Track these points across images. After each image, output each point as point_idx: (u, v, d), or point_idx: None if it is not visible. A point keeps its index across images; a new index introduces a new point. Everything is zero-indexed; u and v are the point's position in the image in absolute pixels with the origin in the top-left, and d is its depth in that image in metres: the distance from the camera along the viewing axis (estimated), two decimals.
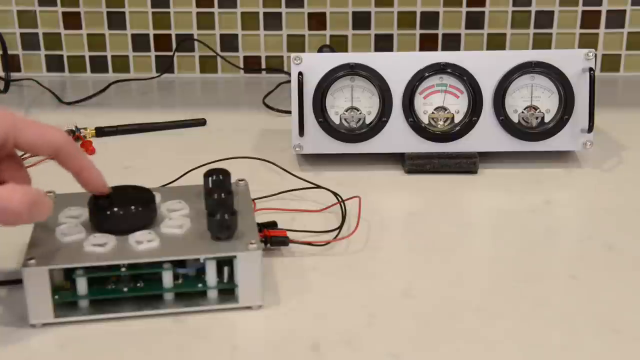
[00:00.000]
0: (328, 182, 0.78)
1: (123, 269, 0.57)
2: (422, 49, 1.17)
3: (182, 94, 1.13)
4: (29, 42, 1.18)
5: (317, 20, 1.16)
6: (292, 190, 0.78)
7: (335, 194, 0.75)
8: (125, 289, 0.58)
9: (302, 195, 0.78)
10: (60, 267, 0.57)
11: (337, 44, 1.16)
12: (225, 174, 0.64)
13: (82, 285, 0.57)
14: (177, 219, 0.62)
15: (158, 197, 0.63)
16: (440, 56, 0.83)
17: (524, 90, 0.84)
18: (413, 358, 0.54)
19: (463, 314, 0.59)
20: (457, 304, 0.60)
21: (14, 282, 0.61)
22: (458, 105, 0.84)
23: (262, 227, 0.67)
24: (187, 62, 1.19)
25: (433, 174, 0.83)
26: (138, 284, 0.58)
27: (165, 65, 1.19)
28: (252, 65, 1.19)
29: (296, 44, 1.18)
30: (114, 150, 0.92)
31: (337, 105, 0.84)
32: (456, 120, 0.84)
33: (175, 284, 0.59)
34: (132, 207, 0.60)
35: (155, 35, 1.18)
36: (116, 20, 1.17)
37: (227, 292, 0.59)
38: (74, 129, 0.93)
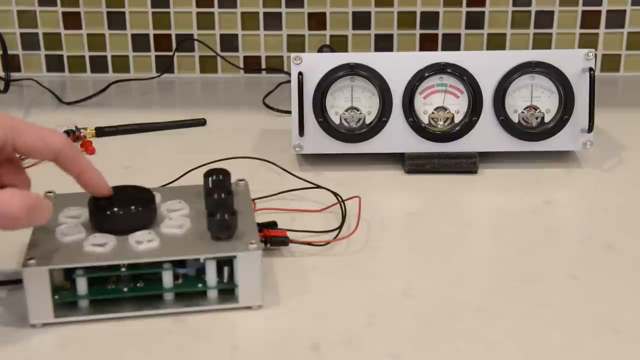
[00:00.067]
0: (328, 182, 0.78)
1: (123, 269, 0.57)
2: (422, 49, 1.17)
3: (182, 94, 1.13)
4: (29, 42, 1.18)
5: (317, 20, 1.16)
6: (292, 190, 0.78)
7: (335, 194, 0.75)
8: (125, 289, 0.58)
9: (302, 195, 0.78)
10: (60, 267, 0.57)
11: (337, 44, 1.16)
12: (225, 174, 0.64)
13: (82, 285, 0.57)
14: (177, 219, 0.62)
15: (158, 197, 0.63)
16: (440, 56, 0.83)
17: (524, 90, 0.84)
18: (413, 358, 0.54)
19: (463, 314, 0.59)
20: (457, 304, 0.60)
21: (14, 282, 0.61)
22: (458, 105, 0.84)
23: (262, 227, 0.67)
24: (187, 62, 1.19)
25: (433, 174, 0.83)
26: (138, 284, 0.58)
27: (165, 65, 1.19)
28: (252, 65, 1.19)
29: (296, 44, 1.18)
30: (114, 150, 0.92)
31: (337, 105, 0.84)
32: (456, 120, 0.84)
33: (175, 284, 0.59)
34: (132, 207, 0.60)
35: (155, 35, 1.18)
36: (116, 20, 1.17)
37: (227, 292, 0.59)
38: (74, 129, 0.93)
